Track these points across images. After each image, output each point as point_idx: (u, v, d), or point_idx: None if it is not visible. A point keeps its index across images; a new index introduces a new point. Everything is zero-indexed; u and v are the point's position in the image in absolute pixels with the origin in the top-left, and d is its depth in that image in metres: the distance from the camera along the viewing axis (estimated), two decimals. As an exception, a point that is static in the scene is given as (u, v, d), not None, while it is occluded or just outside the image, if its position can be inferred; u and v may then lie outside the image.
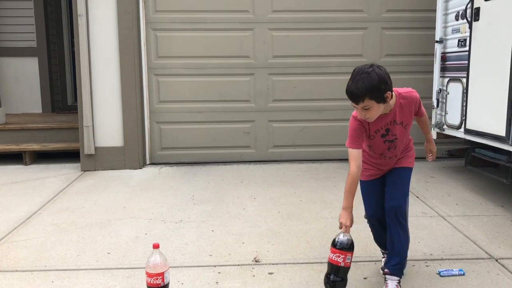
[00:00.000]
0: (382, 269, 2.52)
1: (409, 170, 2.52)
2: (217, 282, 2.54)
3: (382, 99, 2.15)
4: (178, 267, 2.71)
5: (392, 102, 2.25)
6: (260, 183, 4.52)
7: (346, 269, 2.27)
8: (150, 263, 2.24)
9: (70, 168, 5.15)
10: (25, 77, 7.70)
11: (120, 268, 2.72)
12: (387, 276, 2.44)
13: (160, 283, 2.22)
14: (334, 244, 2.26)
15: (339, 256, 2.23)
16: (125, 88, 5.00)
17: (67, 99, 8.30)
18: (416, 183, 4.40)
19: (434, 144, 2.78)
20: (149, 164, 5.30)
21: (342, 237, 2.26)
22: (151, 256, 2.25)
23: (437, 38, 4.52)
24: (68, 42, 8.28)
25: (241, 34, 5.19)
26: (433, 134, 4.74)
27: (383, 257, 2.68)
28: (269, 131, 5.34)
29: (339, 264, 2.23)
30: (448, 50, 4.43)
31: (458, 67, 4.23)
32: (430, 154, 2.78)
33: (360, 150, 2.35)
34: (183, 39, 5.16)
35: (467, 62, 4.00)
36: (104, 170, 5.05)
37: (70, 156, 5.47)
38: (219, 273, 2.66)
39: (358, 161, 2.33)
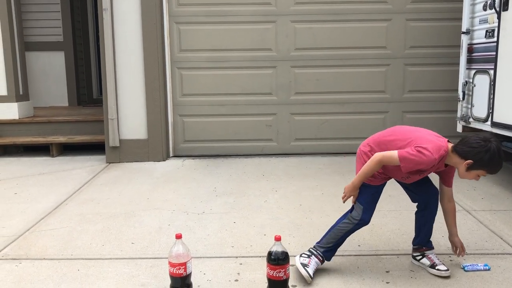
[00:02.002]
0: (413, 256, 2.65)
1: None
2: (238, 273, 2.57)
3: None
4: (201, 257, 2.74)
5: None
6: (282, 176, 4.52)
7: (288, 280, 2.26)
8: (173, 253, 2.27)
9: (95, 160, 5.25)
10: (52, 71, 7.87)
11: (144, 258, 2.76)
12: (426, 252, 2.59)
13: (182, 273, 2.25)
14: (271, 260, 2.21)
15: (280, 271, 2.20)
16: (149, 82, 5.06)
17: (92, 93, 8.45)
18: (441, 177, 4.32)
19: (459, 239, 2.59)
20: (172, 156, 5.36)
21: (277, 251, 2.21)
22: (174, 246, 2.28)
23: (463, 29, 4.41)
24: (93, 36, 8.41)
25: (264, 27, 5.18)
26: (459, 127, 4.67)
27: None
28: (291, 124, 5.33)
29: (281, 279, 2.21)
30: (475, 41, 4.33)
31: (485, 58, 4.13)
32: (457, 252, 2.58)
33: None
34: (205, 32, 5.18)
35: (495, 53, 3.91)
36: (129, 162, 5.13)
37: (95, 148, 5.57)
38: (241, 264, 2.68)
39: (381, 165, 2.39)
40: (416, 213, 2.70)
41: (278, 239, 2.26)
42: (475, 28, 4.32)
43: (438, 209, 2.64)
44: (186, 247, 2.30)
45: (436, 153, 2.29)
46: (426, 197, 2.62)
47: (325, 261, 2.55)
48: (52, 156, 5.50)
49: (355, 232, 2.81)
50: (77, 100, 7.99)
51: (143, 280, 2.50)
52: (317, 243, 2.59)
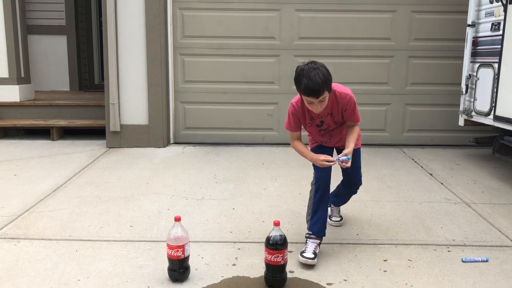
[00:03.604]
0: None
1: (357, 151, 2.74)
2: (236, 258, 2.57)
3: (330, 89, 2.43)
4: (199, 241, 2.74)
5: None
6: (282, 165, 4.52)
7: (285, 265, 2.25)
8: (171, 236, 2.27)
9: (95, 145, 5.24)
10: (54, 55, 7.84)
11: (142, 241, 2.77)
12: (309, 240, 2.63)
13: (180, 255, 2.25)
14: (270, 244, 2.21)
15: (278, 256, 2.20)
16: (151, 67, 5.03)
17: (94, 78, 8.43)
18: (441, 170, 4.32)
19: (350, 153, 2.51)
20: (173, 143, 5.35)
21: (275, 236, 2.21)
22: (172, 229, 2.28)
23: (469, 22, 4.38)
24: (96, 21, 8.37)
25: (268, 15, 5.14)
26: (460, 121, 4.65)
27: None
28: (293, 114, 5.30)
29: (279, 264, 2.21)
30: (480, 34, 4.30)
31: (490, 51, 4.10)
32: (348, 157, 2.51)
33: (299, 132, 2.67)
34: (209, 18, 5.15)
35: (500, 46, 3.88)
36: (129, 147, 5.12)
37: (96, 133, 5.56)
38: (239, 249, 2.68)
39: (298, 138, 2.68)
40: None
41: (277, 224, 2.25)
42: (481, 21, 4.28)
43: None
44: (185, 230, 2.30)
45: (293, 100, 2.62)
46: (348, 182, 2.88)
47: (320, 236, 2.60)
48: (53, 139, 5.49)
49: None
50: (78, 85, 7.97)
51: (141, 262, 2.50)
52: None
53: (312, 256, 2.48)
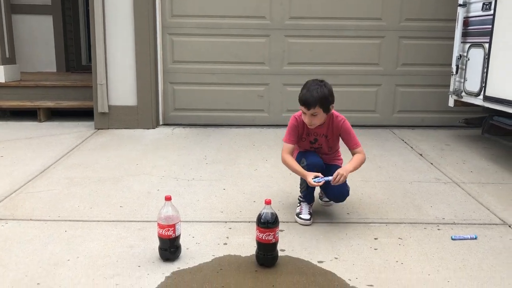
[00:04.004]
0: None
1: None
2: (227, 237, 2.56)
3: (327, 109, 2.59)
4: (190, 221, 2.73)
5: (326, 117, 2.65)
6: (273, 146, 4.50)
7: (277, 243, 2.25)
8: (162, 215, 2.25)
9: (83, 126, 5.17)
10: (40, 35, 7.68)
11: (132, 221, 2.74)
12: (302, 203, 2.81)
13: (171, 235, 2.24)
14: (260, 223, 2.20)
15: (269, 234, 2.19)
16: (139, 47, 4.95)
17: (81, 59, 8.28)
18: (431, 151, 4.34)
19: (346, 171, 2.58)
20: (162, 124, 5.30)
21: (267, 214, 2.21)
22: (163, 208, 2.26)
23: (460, 2, 4.35)
24: (82, 1, 8.19)
25: (258, -6, 5.07)
26: (450, 102, 4.66)
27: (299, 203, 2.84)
28: (283, 95, 5.28)
29: (271, 242, 2.21)
30: (471, 14, 4.28)
31: (481, 31, 4.09)
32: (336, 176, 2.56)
33: (293, 146, 2.77)
34: (198, -3, 5.06)
35: (491, 26, 3.87)
36: (117, 129, 5.06)
37: (84, 114, 5.49)
38: (230, 228, 2.67)
39: (290, 152, 2.76)
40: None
41: (268, 202, 2.24)
42: (472, 0, 4.26)
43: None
44: (176, 209, 2.28)
45: (296, 114, 2.76)
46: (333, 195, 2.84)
47: (312, 203, 2.82)
48: (40, 121, 5.40)
49: (344, 201, 2.82)
50: (65, 66, 7.83)
51: (131, 242, 2.49)
52: None
53: (308, 217, 2.73)
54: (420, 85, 5.27)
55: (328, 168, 2.75)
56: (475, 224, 2.77)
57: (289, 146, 2.77)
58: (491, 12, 3.88)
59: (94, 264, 2.24)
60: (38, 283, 2.08)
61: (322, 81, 2.62)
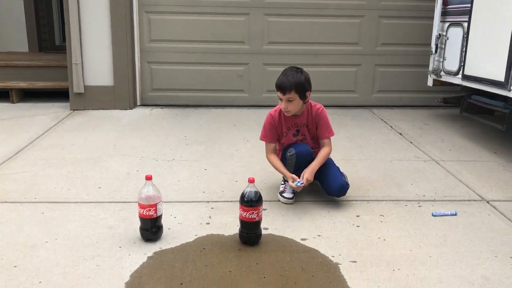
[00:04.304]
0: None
1: (331, 160, 2.86)
2: (210, 217, 2.53)
3: (303, 96, 2.61)
4: (171, 202, 2.69)
5: (304, 106, 2.69)
6: (253, 126, 4.45)
7: (260, 221, 2.24)
8: (143, 195, 2.20)
9: (58, 107, 5.03)
10: (10, 14, 7.39)
11: (112, 202, 2.69)
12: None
13: (153, 215, 2.19)
14: (244, 201, 2.18)
15: (252, 213, 2.18)
16: (115, 25, 4.81)
17: (54, 39, 8.02)
18: (410, 130, 4.38)
19: (311, 173, 2.64)
20: (140, 105, 5.19)
21: (250, 193, 2.19)
22: (143, 188, 2.21)
23: (440, -20, 4.35)
24: (54, -22, 7.90)
25: (237, -29, 4.97)
26: (429, 81, 4.69)
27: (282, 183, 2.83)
28: (264, 75, 5.22)
29: (254, 220, 2.19)
30: (450, -7, 4.29)
31: (460, 10, 4.10)
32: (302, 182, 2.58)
33: (275, 145, 2.80)
34: (176, -26, 4.93)
35: (470, 5, 3.88)
36: (94, 109, 4.94)
37: (59, 95, 5.33)
38: (212, 208, 2.64)
39: (274, 152, 2.80)
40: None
41: (251, 181, 2.22)
42: (452, -21, 4.26)
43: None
44: (156, 189, 2.24)
45: (272, 111, 2.78)
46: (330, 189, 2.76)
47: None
48: (12, 102, 5.23)
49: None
50: (38, 46, 7.57)
51: (111, 223, 2.44)
52: None
53: (291, 196, 2.72)
54: (400, 65, 5.28)
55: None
56: (454, 200, 2.81)
57: (271, 145, 2.80)
58: (471, -10, 3.88)
59: (73, 246, 2.19)
60: (15, 266, 2.02)
61: (299, 68, 2.64)
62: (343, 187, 2.68)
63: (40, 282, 1.91)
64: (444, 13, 4.37)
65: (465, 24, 3.97)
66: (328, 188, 2.72)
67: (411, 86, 5.32)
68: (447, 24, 4.33)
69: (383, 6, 5.13)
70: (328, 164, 2.77)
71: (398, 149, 3.79)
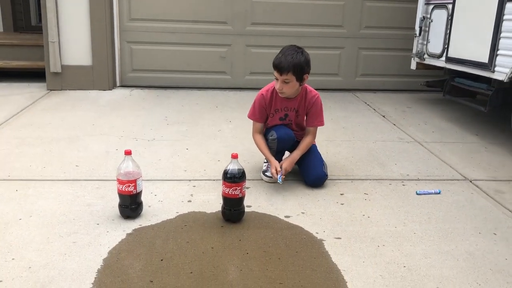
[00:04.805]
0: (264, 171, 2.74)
1: (315, 146, 2.78)
2: (191, 195, 2.47)
3: (301, 79, 2.48)
4: (151, 180, 2.61)
5: (300, 89, 2.56)
6: (236, 108, 4.39)
7: (243, 198, 2.19)
8: (122, 170, 2.12)
9: (35, 87, 4.86)
10: (-17, -8, 7.11)
11: (90, 180, 2.60)
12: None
13: (132, 191, 2.12)
14: (227, 177, 2.12)
15: (236, 189, 2.12)
16: (94, 2, 4.65)
17: (30, 18, 7.76)
18: (393, 112, 4.37)
19: (291, 163, 2.58)
20: (120, 86, 5.07)
21: (233, 169, 2.13)
22: (122, 163, 2.13)
23: (425, -38, 4.32)
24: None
25: (220, -51, 4.85)
26: (413, 64, 4.67)
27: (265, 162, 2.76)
28: (246, 57, 5.14)
29: (237, 197, 2.14)
30: (435, -25, 4.26)
31: (444, -8, 4.08)
32: (280, 171, 2.51)
33: (262, 125, 2.68)
34: (156, -49, 4.78)
35: (454, -14, 3.86)
36: (71, 90, 4.79)
37: (35, 76, 5.15)
38: (194, 186, 2.58)
39: (260, 133, 2.69)
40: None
41: (235, 156, 2.15)
42: (437, -39, 4.23)
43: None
44: (136, 164, 2.16)
45: (263, 89, 2.65)
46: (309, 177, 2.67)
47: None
48: (-14, 82, 5.05)
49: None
50: (13, 26, 7.32)
51: (89, 200, 2.35)
52: None
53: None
54: (383, 48, 5.26)
55: (298, 144, 2.67)
56: (438, 180, 2.80)
57: (258, 125, 2.68)
58: (456, -28, 3.86)
59: (48, 223, 2.10)
60: (-14, 243, 1.93)
61: (300, 48, 2.49)
62: (320, 178, 2.62)
63: (13, 259, 1.82)
64: (429, -5, 4.35)
65: (450, 6, 3.95)
66: (306, 177, 2.64)
67: (394, 70, 5.31)
68: (431, 7, 4.30)
69: (367, -12, 5.09)
70: (309, 152, 2.69)
71: (381, 131, 3.78)
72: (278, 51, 2.56)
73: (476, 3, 3.61)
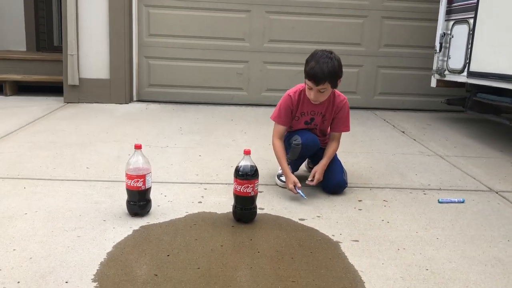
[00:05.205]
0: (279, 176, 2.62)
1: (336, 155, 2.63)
2: (202, 196, 2.38)
3: (335, 85, 2.36)
4: (162, 182, 2.54)
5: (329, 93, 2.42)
6: (252, 121, 4.34)
7: (256, 196, 2.09)
8: (131, 165, 2.05)
9: (52, 100, 4.90)
10: (9, 13, 7.30)
11: (99, 181, 2.54)
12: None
13: (140, 186, 2.04)
14: (239, 174, 2.04)
15: (248, 187, 2.02)
16: (113, 18, 4.71)
17: (53, 39, 7.94)
18: (413, 128, 4.25)
19: (323, 172, 2.47)
20: (136, 100, 5.07)
21: (245, 165, 2.05)
22: (132, 157, 2.07)
23: (445, -22, 4.29)
24: (56, -23, 7.86)
25: (239, -33, 4.90)
26: (433, 81, 4.58)
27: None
28: (263, 73, 5.12)
29: (249, 195, 2.04)
30: (456, -9, 4.21)
31: (465, 7, 4.02)
32: (311, 179, 2.45)
33: (285, 128, 2.54)
34: (177, -32, 4.86)
35: (476, 0, 3.80)
36: (88, 103, 4.81)
37: (54, 90, 5.20)
38: (205, 189, 2.49)
39: (281, 138, 2.53)
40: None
41: (247, 152, 2.07)
42: (457, -23, 4.19)
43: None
44: (146, 159, 2.09)
45: (291, 90, 2.50)
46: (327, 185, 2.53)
47: (294, 172, 2.58)
48: (6, 95, 5.11)
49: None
50: (36, 46, 7.48)
51: (96, 198, 2.28)
52: None
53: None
54: (402, 67, 5.19)
55: (322, 152, 2.55)
56: (461, 190, 2.66)
57: (281, 128, 2.52)
58: (477, -14, 3.81)
59: (54, 218, 2.03)
60: (-13, 234, 1.86)
61: (331, 52, 2.33)
62: (340, 186, 2.50)
63: (14, 249, 1.75)
64: (449, 12, 4.29)
65: (471, 21, 3.88)
66: (325, 184, 2.50)
67: (413, 89, 5.22)
68: (451, 23, 4.24)
69: (386, 7, 5.06)
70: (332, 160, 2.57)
71: (401, 145, 3.66)
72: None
73: (499, 15, 3.53)
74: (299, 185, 2.37)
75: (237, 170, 2.06)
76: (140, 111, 4.62)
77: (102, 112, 4.41)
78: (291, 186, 2.36)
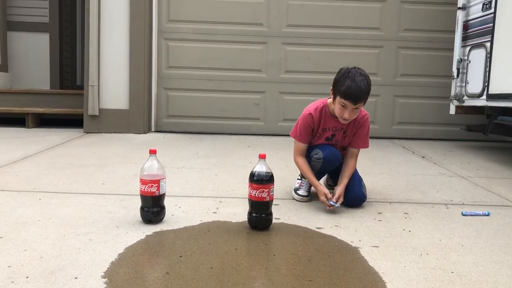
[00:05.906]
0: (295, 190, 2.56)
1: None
2: (217, 208, 2.34)
3: (366, 101, 2.33)
4: (177, 196, 2.51)
5: None
6: (268, 148, 4.31)
7: (271, 202, 2.03)
8: (145, 170, 2.04)
9: (73, 132, 4.97)
10: (35, 53, 7.58)
11: (114, 194, 2.52)
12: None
13: (155, 192, 2.01)
14: (254, 179, 2.00)
15: (263, 191, 1.98)
16: (134, 50, 4.85)
17: (76, 79, 8.19)
18: (434, 154, 4.17)
19: (343, 191, 2.38)
20: (154, 131, 5.12)
21: (261, 170, 2.01)
22: (146, 162, 2.06)
23: (459, 5, 4.32)
24: (80, 18, 8.20)
25: (255, 1, 5.04)
26: (452, 108, 4.53)
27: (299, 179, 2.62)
28: (280, 104, 5.15)
29: (264, 200, 1.99)
30: (470, 17, 4.23)
31: (481, 32, 4.02)
32: (333, 201, 2.33)
33: (306, 146, 2.51)
34: (195, 2, 5.01)
35: (492, 24, 3.80)
36: (107, 133, 4.87)
37: (75, 123, 5.31)
38: (220, 202, 2.45)
39: (303, 154, 2.51)
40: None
41: (262, 157, 2.04)
42: (471, 3, 4.23)
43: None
44: (161, 165, 2.08)
45: (311, 107, 2.46)
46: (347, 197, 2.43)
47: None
48: (28, 127, 5.22)
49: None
50: (59, 85, 7.71)
51: (110, 209, 2.26)
52: None
53: (306, 193, 2.51)
54: (419, 96, 5.16)
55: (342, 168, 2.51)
56: (486, 205, 2.56)
57: (302, 146, 2.50)
58: (492, 10, 3.82)
59: (67, 224, 2.01)
60: (1, 237, 1.84)
61: (362, 70, 2.30)
62: (359, 199, 2.43)
63: (25, 250, 1.72)
64: (465, 38, 4.30)
65: (488, 44, 3.88)
66: (344, 197, 2.39)
67: (432, 118, 5.16)
68: (468, 48, 4.24)
69: (402, 37, 5.10)
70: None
71: (421, 167, 3.58)
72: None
73: (515, 36, 3.53)
74: (329, 196, 2.31)
75: (252, 175, 2.03)
76: (157, 139, 4.65)
77: (120, 140, 4.45)
78: (323, 198, 2.32)
